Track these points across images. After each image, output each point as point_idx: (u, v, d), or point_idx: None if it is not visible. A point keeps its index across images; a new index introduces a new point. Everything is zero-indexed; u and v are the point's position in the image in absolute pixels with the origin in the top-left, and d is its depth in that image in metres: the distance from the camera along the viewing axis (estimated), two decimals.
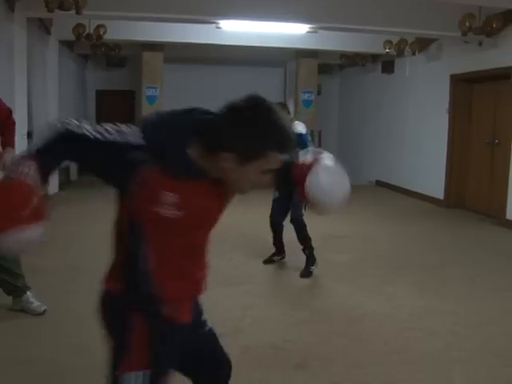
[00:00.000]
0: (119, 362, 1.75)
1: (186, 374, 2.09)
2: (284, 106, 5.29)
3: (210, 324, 2.04)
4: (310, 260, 5.47)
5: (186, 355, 1.95)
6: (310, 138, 5.56)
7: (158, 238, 1.71)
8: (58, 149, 1.69)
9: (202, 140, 1.62)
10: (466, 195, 9.59)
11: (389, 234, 7.51)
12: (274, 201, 5.65)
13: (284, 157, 1.63)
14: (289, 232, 5.64)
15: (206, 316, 2.03)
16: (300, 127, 5.34)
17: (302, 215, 5.40)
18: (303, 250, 5.51)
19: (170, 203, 1.63)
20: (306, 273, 5.41)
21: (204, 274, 1.89)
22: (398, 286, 5.17)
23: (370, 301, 4.76)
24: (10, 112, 4.41)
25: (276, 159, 1.61)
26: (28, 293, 4.21)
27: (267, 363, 3.53)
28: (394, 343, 3.88)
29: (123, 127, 1.66)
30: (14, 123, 4.46)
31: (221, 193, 1.75)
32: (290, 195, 5.16)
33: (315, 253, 5.50)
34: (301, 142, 4.95)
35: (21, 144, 7.22)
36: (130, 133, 1.65)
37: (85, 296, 4.64)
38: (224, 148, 1.57)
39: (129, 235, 1.75)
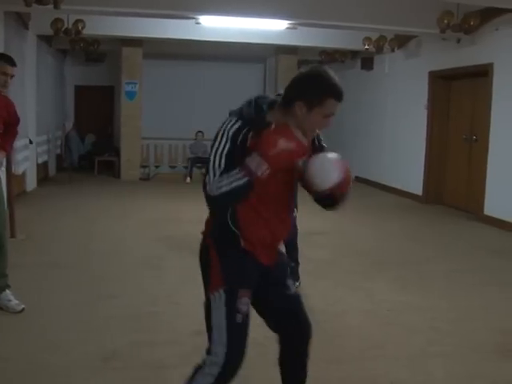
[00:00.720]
0: (206, 288, 2.31)
1: (274, 328, 2.61)
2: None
3: (294, 290, 2.48)
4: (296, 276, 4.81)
5: (269, 308, 2.51)
6: None
7: (265, 188, 2.18)
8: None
9: (280, 102, 2.22)
10: (444, 191, 9.67)
11: (368, 229, 7.55)
12: None
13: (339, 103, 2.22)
14: None
15: (291, 282, 2.48)
16: None
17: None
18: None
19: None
20: None
21: (283, 228, 2.39)
22: (377, 282, 5.20)
23: (350, 297, 4.78)
24: (18, 122, 4.46)
25: (333, 105, 2.22)
26: (7, 291, 4.17)
27: (248, 360, 3.52)
28: (374, 339, 3.90)
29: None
30: (17, 133, 4.51)
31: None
32: None
33: None
34: None
35: None
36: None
37: (63, 292, 4.64)
38: (297, 98, 2.15)
39: None
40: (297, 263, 4.93)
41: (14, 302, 4.14)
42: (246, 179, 2.08)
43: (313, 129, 2.33)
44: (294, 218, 4.86)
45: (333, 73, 2.21)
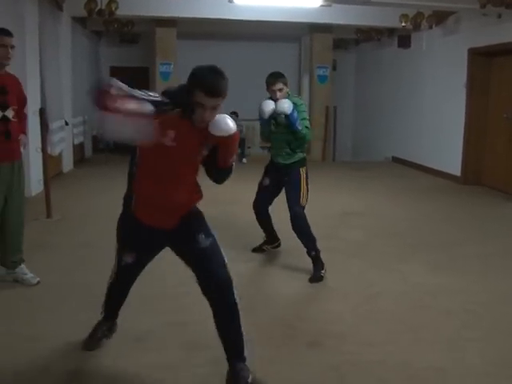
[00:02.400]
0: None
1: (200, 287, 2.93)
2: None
3: (205, 244, 2.83)
4: (318, 264, 4.74)
5: (189, 265, 2.94)
6: (303, 115, 4.66)
7: (147, 162, 2.75)
8: None
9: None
10: (483, 172, 9.45)
11: (404, 211, 7.43)
12: (263, 188, 5.05)
13: (208, 98, 2.54)
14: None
15: (202, 236, 2.85)
16: (286, 105, 4.54)
17: (302, 208, 4.75)
18: (308, 252, 4.79)
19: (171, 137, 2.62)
20: (317, 277, 4.65)
21: (178, 202, 2.80)
22: (412, 264, 5.12)
23: (384, 279, 4.71)
24: (26, 102, 4.43)
25: (201, 97, 2.54)
26: (22, 265, 4.33)
27: (279, 341, 3.51)
28: (408, 322, 3.84)
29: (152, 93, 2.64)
30: (25, 116, 4.50)
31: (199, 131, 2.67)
32: (280, 182, 4.87)
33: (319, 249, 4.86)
34: (289, 123, 4.58)
35: (33, 121, 7.22)
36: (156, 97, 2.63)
37: (95, 272, 4.67)
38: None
39: (130, 163, 2.88)
40: (316, 251, 4.77)
41: (30, 276, 4.31)
42: None
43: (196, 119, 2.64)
44: (296, 212, 4.71)
45: (218, 70, 2.63)
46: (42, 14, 8.07)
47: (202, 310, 3.90)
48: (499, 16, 8.23)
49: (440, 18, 9.95)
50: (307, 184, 4.79)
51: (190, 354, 3.31)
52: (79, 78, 10.87)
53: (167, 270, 4.78)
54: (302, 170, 4.80)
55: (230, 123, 2.65)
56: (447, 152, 10.02)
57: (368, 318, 3.91)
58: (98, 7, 9.03)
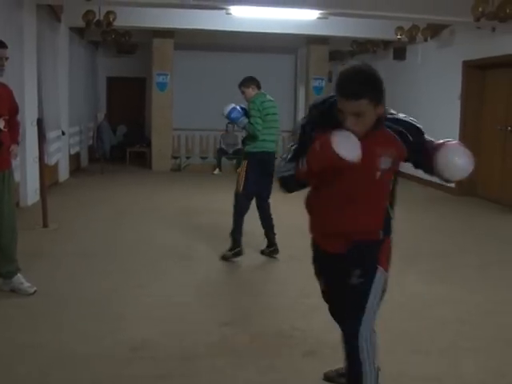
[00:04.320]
0: None
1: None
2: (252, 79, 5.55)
3: (360, 280, 2.45)
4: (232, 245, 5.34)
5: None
6: (251, 113, 5.30)
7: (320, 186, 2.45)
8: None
9: None
10: (477, 183, 9.50)
11: (400, 221, 7.38)
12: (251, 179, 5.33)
13: (344, 101, 2.19)
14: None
15: (360, 272, 2.45)
16: (224, 108, 5.57)
17: (239, 194, 5.32)
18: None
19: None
20: (224, 255, 5.30)
21: (348, 219, 2.44)
22: (408, 274, 5.13)
23: None
24: (17, 111, 4.40)
25: (342, 102, 2.20)
26: (19, 274, 4.31)
27: (276, 351, 3.52)
28: (404, 332, 3.86)
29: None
30: (19, 124, 4.46)
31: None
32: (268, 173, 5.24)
33: None
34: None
35: (30, 131, 7.25)
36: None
37: (93, 282, 4.69)
38: None
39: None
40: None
41: (26, 285, 4.28)
42: (289, 172, 2.39)
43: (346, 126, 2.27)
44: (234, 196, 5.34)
45: (358, 69, 2.29)
46: (40, 24, 8.11)
47: (198, 320, 3.93)
48: (493, 29, 8.32)
49: (435, 30, 10.04)
50: (246, 174, 5.27)
51: (185, 364, 3.32)
52: (76, 88, 10.91)
53: (166, 280, 4.81)
54: (244, 162, 5.35)
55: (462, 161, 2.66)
56: None
57: None
58: (96, 18, 9.08)
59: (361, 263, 2.46)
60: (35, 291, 4.29)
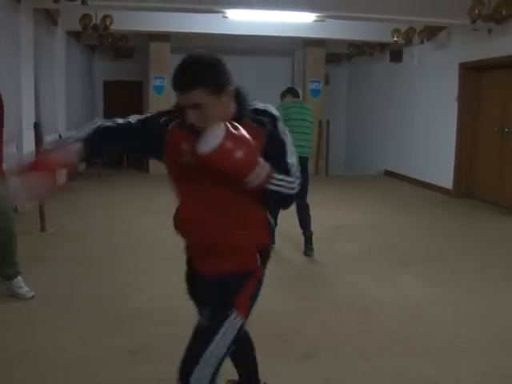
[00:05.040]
0: None
1: None
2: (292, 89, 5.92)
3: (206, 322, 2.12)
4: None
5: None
6: None
7: (183, 189, 2.13)
8: (99, 142, 2.12)
9: None
10: (475, 185, 9.52)
11: (397, 223, 7.47)
12: None
13: (178, 94, 1.95)
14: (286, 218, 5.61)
15: (229, 310, 2.10)
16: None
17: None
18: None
19: (187, 151, 1.98)
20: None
21: (225, 238, 2.12)
22: (405, 276, 5.15)
23: (378, 291, 4.74)
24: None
25: (176, 95, 1.98)
26: (19, 277, 4.29)
27: (273, 354, 3.52)
28: (401, 334, 3.86)
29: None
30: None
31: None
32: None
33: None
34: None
35: (27, 135, 7.25)
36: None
37: (91, 286, 4.69)
38: None
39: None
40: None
41: (25, 289, 4.28)
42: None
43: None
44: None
45: (190, 58, 1.99)
46: (37, 28, 8.12)
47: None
48: (489, 31, 8.34)
49: (431, 32, 10.06)
50: None
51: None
52: (73, 92, 10.91)
53: (165, 283, 4.81)
54: None
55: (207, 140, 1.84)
56: (439, 165, 10.10)
57: (360, 330, 3.93)
58: (93, 22, 9.09)
59: (214, 301, 2.14)
60: (33, 296, 4.28)
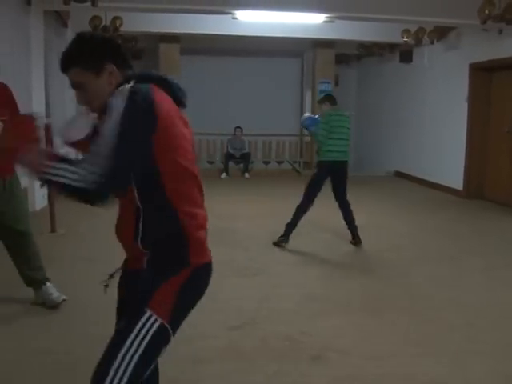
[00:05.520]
0: None
1: None
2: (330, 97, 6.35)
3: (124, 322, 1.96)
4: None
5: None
6: (321, 126, 6.05)
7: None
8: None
9: None
10: (485, 186, 9.48)
11: (406, 225, 7.45)
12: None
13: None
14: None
15: (143, 309, 1.87)
16: (302, 119, 6.43)
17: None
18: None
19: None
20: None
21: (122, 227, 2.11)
22: (415, 278, 5.13)
23: (387, 292, 4.72)
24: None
25: None
26: (47, 284, 4.21)
27: (283, 355, 3.52)
28: (411, 335, 3.85)
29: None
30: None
31: None
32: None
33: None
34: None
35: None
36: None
37: (100, 286, 4.70)
38: None
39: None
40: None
41: (55, 295, 4.17)
42: None
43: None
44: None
45: (72, 40, 1.93)
46: (47, 30, 8.16)
47: (206, 325, 3.93)
48: (500, 31, 8.30)
49: (441, 33, 10.04)
50: (314, 179, 6.02)
51: (193, 368, 3.32)
52: None
53: None
54: (315, 169, 6.17)
55: None
56: (449, 166, 10.06)
57: (371, 331, 3.92)
58: (103, 24, 9.13)
59: (131, 302, 1.98)
60: (64, 300, 4.16)
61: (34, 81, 7.47)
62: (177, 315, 1.95)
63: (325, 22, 9.23)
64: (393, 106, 12.59)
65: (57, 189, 1.76)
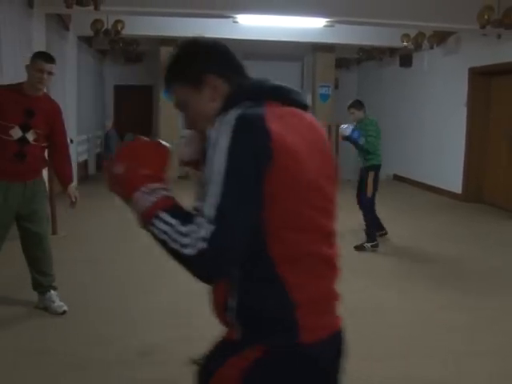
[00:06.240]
0: None
1: None
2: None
3: None
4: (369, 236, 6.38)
5: None
6: (367, 133, 6.44)
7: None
8: None
9: None
10: (484, 189, 9.52)
11: (405, 228, 7.48)
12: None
13: None
14: None
15: None
16: (342, 129, 6.60)
17: (367, 199, 6.42)
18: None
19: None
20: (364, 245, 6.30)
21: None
22: (415, 280, 5.16)
23: (387, 295, 4.75)
24: (63, 134, 4.29)
25: None
26: (52, 291, 4.22)
27: None
28: (411, 337, 3.88)
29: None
30: (65, 150, 4.37)
31: None
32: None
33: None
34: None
35: None
36: None
37: (102, 288, 4.74)
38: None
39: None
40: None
41: (57, 304, 4.16)
42: None
43: None
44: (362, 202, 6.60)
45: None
46: (49, 33, 8.19)
47: (207, 326, 3.96)
48: (499, 36, 8.34)
49: (441, 38, 10.08)
50: (374, 181, 6.45)
51: (193, 369, 3.34)
52: (84, 97, 10.99)
53: (174, 286, 4.85)
54: (371, 173, 6.49)
55: None
56: (448, 170, 10.09)
57: (371, 333, 3.94)
58: (105, 27, 9.16)
59: None
60: (65, 311, 4.14)
61: None
62: None
63: (325, 26, 9.27)
64: (392, 109, 12.63)
65: (160, 244, 1.39)
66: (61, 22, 9.18)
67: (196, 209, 1.34)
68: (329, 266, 1.48)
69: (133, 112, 14.52)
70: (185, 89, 1.54)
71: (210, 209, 1.26)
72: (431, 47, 10.23)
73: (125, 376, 3.23)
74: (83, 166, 11.50)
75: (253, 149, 1.30)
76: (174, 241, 1.30)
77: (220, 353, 1.54)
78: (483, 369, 3.41)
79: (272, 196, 1.31)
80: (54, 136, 4.16)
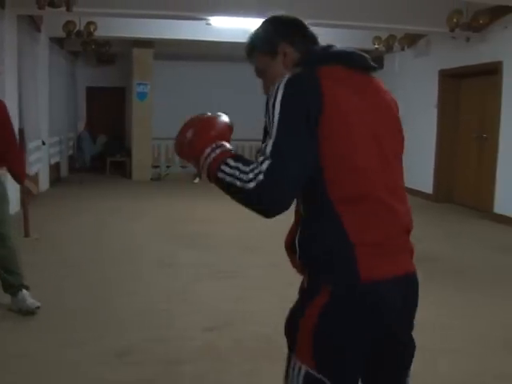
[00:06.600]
0: None
1: None
2: None
3: None
4: None
5: None
6: None
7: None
8: None
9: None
10: (454, 190, 9.68)
11: None
12: None
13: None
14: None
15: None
16: None
17: None
18: None
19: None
20: None
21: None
22: None
23: None
24: (11, 134, 4.16)
25: None
26: (24, 291, 4.17)
27: (259, 355, 3.58)
28: None
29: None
30: (16, 150, 4.20)
31: None
32: None
33: None
34: None
35: None
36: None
37: (77, 290, 4.72)
38: None
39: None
40: None
41: (29, 301, 4.12)
42: None
43: None
44: None
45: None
46: (20, 34, 8.13)
47: (182, 327, 3.99)
48: (467, 39, 8.52)
49: (411, 40, 10.23)
50: None
51: (169, 369, 3.37)
52: (56, 98, 10.91)
53: (150, 287, 4.85)
54: None
55: None
56: (419, 170, 10.23)
57: None
58: (77, 28, 9.11)
59: None
60: (38, 307, 4.10)
61: (7, 85, 7.43)
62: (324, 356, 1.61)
63: None
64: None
65: (224, 190, 1.52)
66: (32, 24, 9.11)
67: (259, 151, 1.52)
68: (392, 214, 1.70)
69: (105, 113, 14.44)
70: (262, 57, 1.83)
71: (268, 147, 1.46)
72: (402, 49, 10.39)
73: (101, 377, 3.22)
74: (55, 168, 11.40)
75: (306, 98, 1.50)
76: (240, 179, 1.46)
77: (299, 305, 1.67)
78: (451, 365, 3.47)
79: (325, 139, 1.48)
80: (2, 134, 4.03)
